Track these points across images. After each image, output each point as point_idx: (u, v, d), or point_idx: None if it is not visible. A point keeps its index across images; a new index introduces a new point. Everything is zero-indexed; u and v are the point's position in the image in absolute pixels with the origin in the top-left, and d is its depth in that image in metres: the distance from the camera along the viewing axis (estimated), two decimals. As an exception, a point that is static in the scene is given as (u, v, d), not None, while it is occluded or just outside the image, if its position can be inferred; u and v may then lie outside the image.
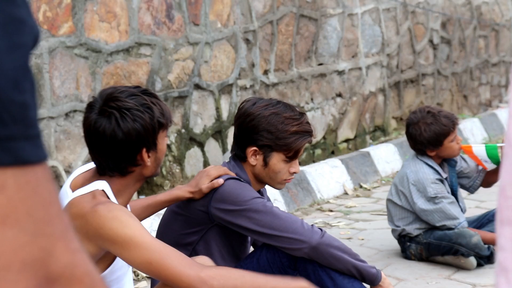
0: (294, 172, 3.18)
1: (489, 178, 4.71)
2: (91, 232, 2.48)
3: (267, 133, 3.11)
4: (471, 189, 4.75)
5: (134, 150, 2.57)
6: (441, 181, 4.51)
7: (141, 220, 2.98)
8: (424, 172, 4.47)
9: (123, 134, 2.55)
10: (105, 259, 2.60)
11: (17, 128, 0.67)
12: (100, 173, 2.63)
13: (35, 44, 0.71)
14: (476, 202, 5.84)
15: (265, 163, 3.14)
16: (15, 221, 0.67)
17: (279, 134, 3.11)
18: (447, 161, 4.59)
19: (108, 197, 2.57)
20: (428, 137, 4.43)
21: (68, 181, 2.65)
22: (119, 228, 2.45)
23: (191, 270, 2.48)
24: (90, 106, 2.62)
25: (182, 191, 3.06)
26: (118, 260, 2.63)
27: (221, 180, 3.04)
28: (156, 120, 2.59)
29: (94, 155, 2.63)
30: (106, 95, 2.60)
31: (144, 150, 2.59)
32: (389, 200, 4.65)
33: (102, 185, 2.58)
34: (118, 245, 2.46)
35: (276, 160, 3.13)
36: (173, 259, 2.48)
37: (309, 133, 3.18)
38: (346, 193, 6.27)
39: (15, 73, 0.68)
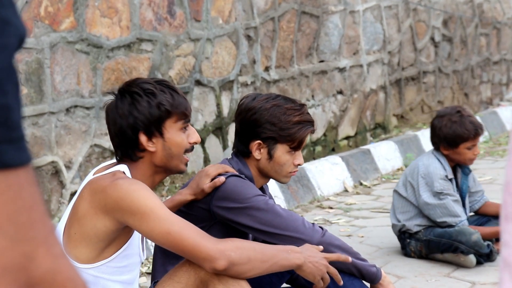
0: (299, 164, 3.18)
1: (487, 209, 4.75)
2: (110, 204, 2.51)
3: (270, 125, 3.10)
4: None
5: (132, 133, 2.62)
6: (450, 180, 4.50)
7: None
8: (435, 167, 4.46)
9: (120, 117, 2.62)
10: (117, 242, 2.62)
11: None
12: (118, 160, 2.70)
13: (21, 44, 0.69)
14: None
15: (270, 156, 3.14)
16: None
17: (282, 125, 3.11)
18: (461, 167, 4.58)
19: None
20: (446, 134, 4.40)
21: (92, 172, 2.72)
22: (141, 200, 2.49)
23: (208, 242, 2.53)
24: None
25: (183, 195, 3.07)
26: (129, 246, 2.65)
27: (222, 178, 3.03)
28: (157, 105, 2.61)
29: (110, 137, 2.72)
30: (126, 82, 2.71)
31: (142, 133, 2.62)
32: (395, 191, 4.65)
33: (122, 168, 2.64)
34: (138, 216, 2.49)
35: (281, 152, 3.13)
36: (191, 231, 2.52)
37: (311, 122, 3.18)
38: (346, 190, 6.27)
39: None
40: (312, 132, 3.20)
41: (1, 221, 0.66)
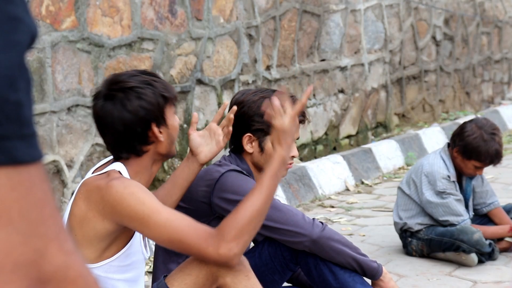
0: (293, 156, 3.15)
1: (493, 216, 4.73)
2: (107, 208, 2.50)
3: (258, 116, 3.10)
4: (474, 211, 4.75)
5: (144, 126, 2.61)
6: (453, 182, 4.50)
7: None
8: (439, 167, 4.47)
9: (130, 113, 2.59)
10: (119, 241, 2.62)
11: (11, 127, 0.67)
12: (116, 158, 2.67)
13: (32, 42, 0.70)
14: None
15: (261, 149, 3.13)
16: (8, 222, 0.66)
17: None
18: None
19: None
20: (469, 143, 4.39)
21: (91, 170, 2.70)
22: (137, 205, 2.46)
23: (210, 247, 2.49)
24: (95, 95, 2.68)
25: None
26: (132, 244, 2.65)
27: (234, 107, 3.02)
28: (160, 94, 2.62)
29: (107, 141, 2.67)
30: (108, 80, 2.68)
31: (154, 125, 2.62)
32: (399, 188, 4.67)
33: (118, 166, 2.62)
34: (137, 222, 2.48)
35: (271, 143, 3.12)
36: (190, 236, 2.47)
37: (301, 113, 3.15)
38: (347, 189, 6.27)
39: (10, 72, 0.67)
40: (302, 122, 3.16)
41: (13, 217, 0.66)
